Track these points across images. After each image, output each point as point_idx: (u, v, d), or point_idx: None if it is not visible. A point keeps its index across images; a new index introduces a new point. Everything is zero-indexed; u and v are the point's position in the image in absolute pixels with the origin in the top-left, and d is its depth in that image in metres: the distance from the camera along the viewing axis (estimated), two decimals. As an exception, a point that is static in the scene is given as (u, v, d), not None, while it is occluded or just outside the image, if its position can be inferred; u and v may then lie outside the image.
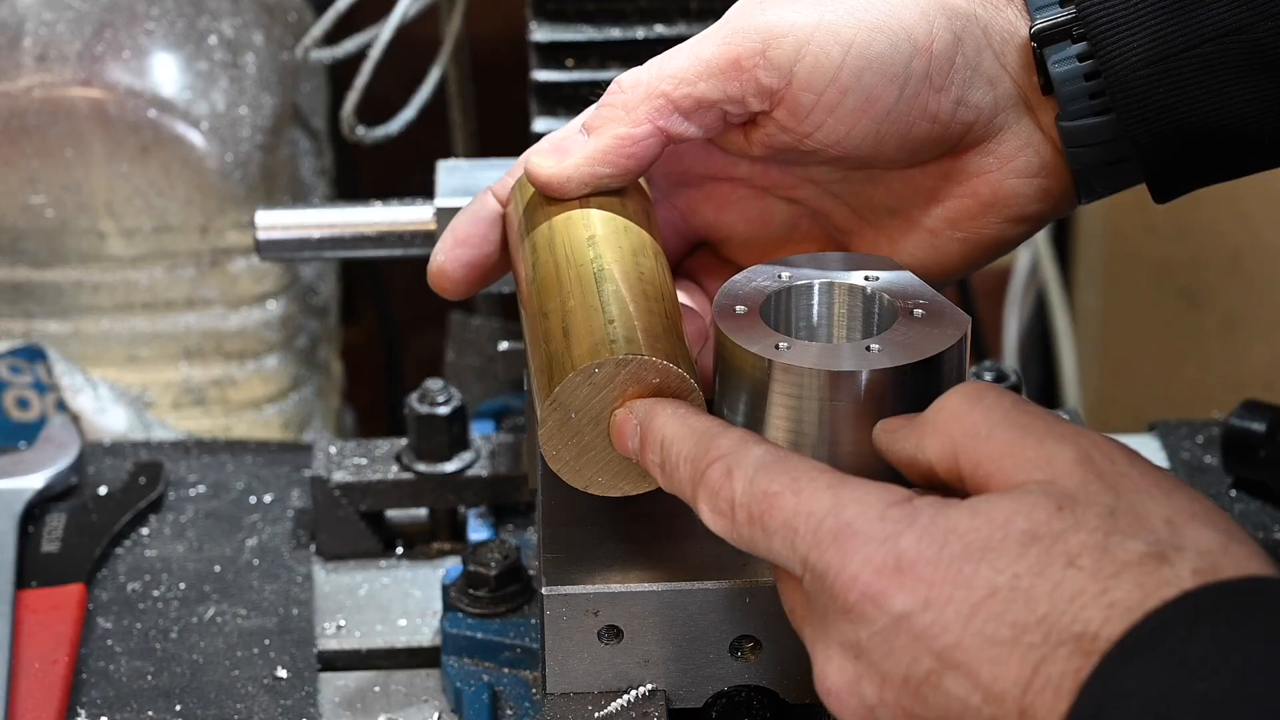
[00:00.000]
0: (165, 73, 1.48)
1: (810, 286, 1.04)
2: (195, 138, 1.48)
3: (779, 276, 1.04)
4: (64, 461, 1.26)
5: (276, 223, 1.25)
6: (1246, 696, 0.77)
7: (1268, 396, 1.27)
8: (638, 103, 1.04)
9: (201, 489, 1.28)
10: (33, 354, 1.44)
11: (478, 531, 1.21)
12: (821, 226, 1.11)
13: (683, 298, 1.11)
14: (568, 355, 0.97)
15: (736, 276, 1.05)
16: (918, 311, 1.00)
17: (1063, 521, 0.85)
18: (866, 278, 1.04)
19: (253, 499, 1.27)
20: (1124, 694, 0.80)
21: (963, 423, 0.90)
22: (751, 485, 0.91)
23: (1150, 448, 1.31)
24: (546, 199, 1.06)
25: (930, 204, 1.09)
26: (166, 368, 1.54)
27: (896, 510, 0.87)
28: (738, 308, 1.01)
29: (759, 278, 1.04)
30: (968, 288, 1.79)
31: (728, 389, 1.00)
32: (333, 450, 1.23)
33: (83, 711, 1.10)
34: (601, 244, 1.03)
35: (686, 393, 0.97)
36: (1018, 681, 0.83)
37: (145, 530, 1.24)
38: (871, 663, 0.87)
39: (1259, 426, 1.24)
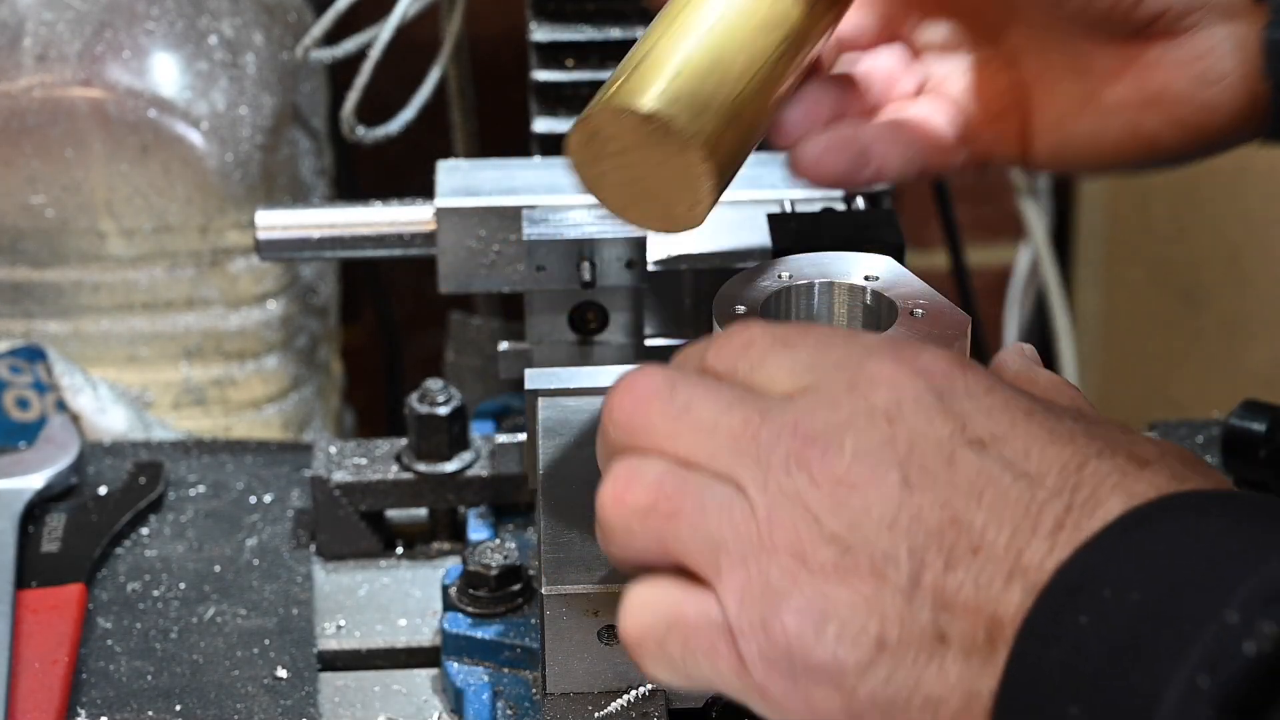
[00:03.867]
0: (165, 73, 1.48)
1: (810, 286, 1.04)
2: (195, 138, 1.48)
3: (779, 276, 1.04)
4: (64, 461, 1.26)
5: (276, 223, 1.25)
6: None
7: (1268, 396, 1.27)
8: None
9: (201, 489, 1.28)
10: (33, 354, 1.44)
11: (478, 531, 1.21)
12: (1008, 74, 1.10)
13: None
14: (621, 83, 0.98)
15: (735, 277, 1.05)
16: (918, 311, 1.00)
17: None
18: (866, 277, 1.04)
19: (253, 499, 1.27)
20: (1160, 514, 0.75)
21: None
22: None
23: (1150, 447, 1.31)
24: None
25: (1103, 83, 1.06)
26: (166, 368, 1.54)
27: None
28: (737, 308, 1.01)
29: (759, 278, 1.04)
30: (968, 288, 1.79)
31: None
32: (333, 450, 1.23)
33: (83, 711, 1.10)
34: None
35: (698, 175, 0.97)
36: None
37: (145, 530, 1.24)
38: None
39: (1259, 426, 1.24)
